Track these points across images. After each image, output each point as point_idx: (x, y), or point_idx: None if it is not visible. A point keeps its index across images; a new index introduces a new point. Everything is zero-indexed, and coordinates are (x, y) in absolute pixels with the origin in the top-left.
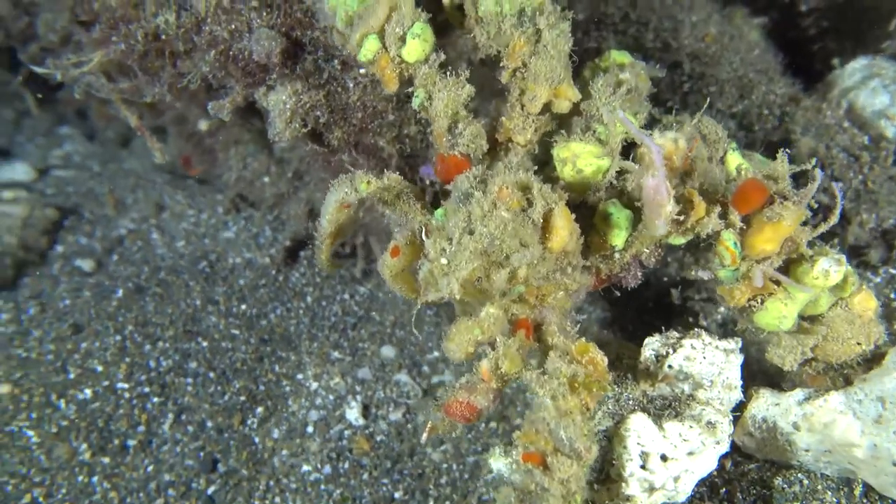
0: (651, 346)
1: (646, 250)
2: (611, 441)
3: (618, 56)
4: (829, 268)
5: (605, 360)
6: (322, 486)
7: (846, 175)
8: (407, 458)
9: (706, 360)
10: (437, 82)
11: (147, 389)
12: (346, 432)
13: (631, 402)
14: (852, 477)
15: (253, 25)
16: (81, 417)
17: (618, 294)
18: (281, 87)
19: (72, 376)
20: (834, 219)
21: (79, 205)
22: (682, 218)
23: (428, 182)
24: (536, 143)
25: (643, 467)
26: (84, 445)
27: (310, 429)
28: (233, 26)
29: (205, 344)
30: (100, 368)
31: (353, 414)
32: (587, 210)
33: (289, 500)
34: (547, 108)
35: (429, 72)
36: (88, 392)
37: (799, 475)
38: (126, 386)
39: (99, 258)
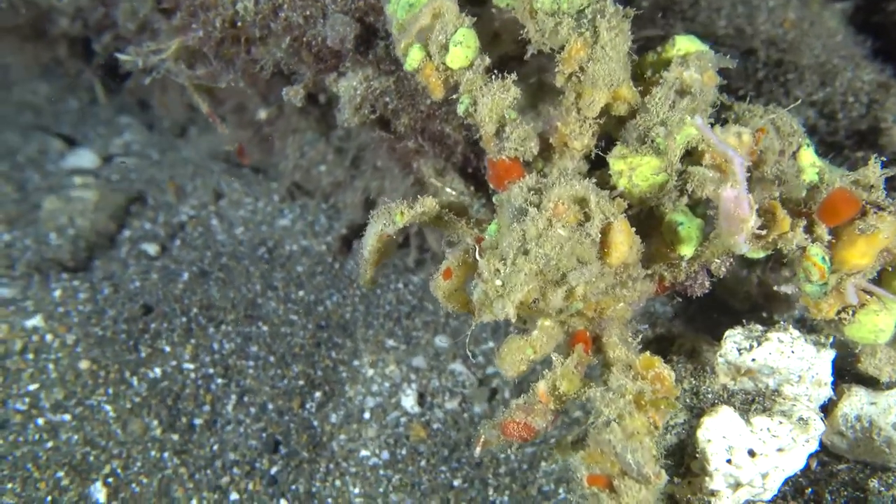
0: (732, 338)
1: (717, 260)
2: (692, 434)
3: (683, 42)
4: None
5: (673, 375)
6: (381, 472)
7: None
8: (464, 446)
9: (795, 355)
10: (482, 87)
11: (211, 371)
12: (403, 419)
13: (710, 396)
14: None
15: (328, 11)
16: (152, 395)
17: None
18: (352, 72)
19: (143, 355)
20: None
21: (142, 191)
22: (763, 232)
23: None
24: (594, 146)
25: (729, 462)
26: (155, 422)
27: (367, 415)
28: (308, 12)
29: (265, 328)
30: (168, 349)
31: (409, 402)
32: (650, 216)
33: (349, 484)
34: (605, 111)
35: (473, 77)
36: (158, 371)
37: None
38: (192, 367)
39: (163, 243)
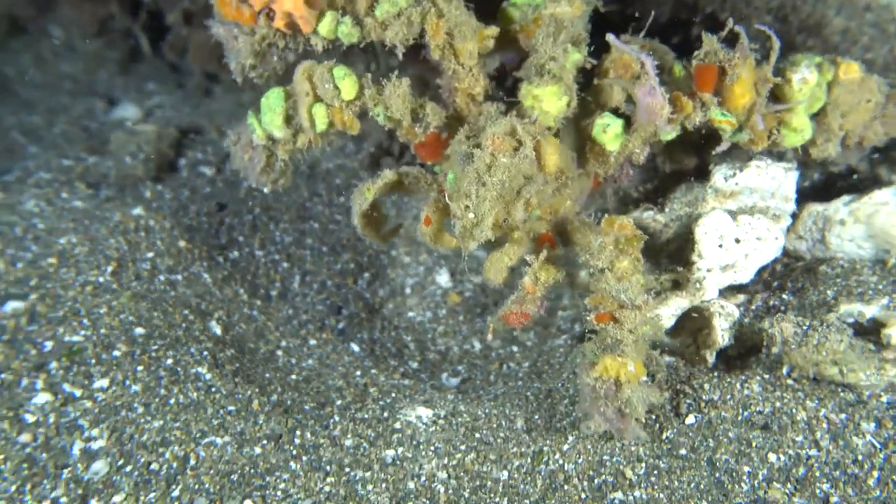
0: (720, 170)
1: (636, 150)
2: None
3: None
4: (805, 75)
5: (630, 220)
6: (427, 325)
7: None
8: (493, 306)
9: (768, 175)
10: (382, 93)
11: (277, 257)
12: (439, 291)
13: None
14: (886, 257)
15: None
16: (236, 271)
17: None
18: None
19: (223, 241)
20: (775, 44)
21: (186, 131)
22: (674, 116)
23: (508, 69)
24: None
25: (720, 247)
26: (241, 290)
27: (408, 290)
28: None
29: (316, 225)
30: (241, 238)
31: (443, 279)
32: (576, 129)
33: (402, 333)
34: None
35: (371, 93)
36: (237, 254)
37: (840, 262)
38: (261, 253)
39: (217, 166)
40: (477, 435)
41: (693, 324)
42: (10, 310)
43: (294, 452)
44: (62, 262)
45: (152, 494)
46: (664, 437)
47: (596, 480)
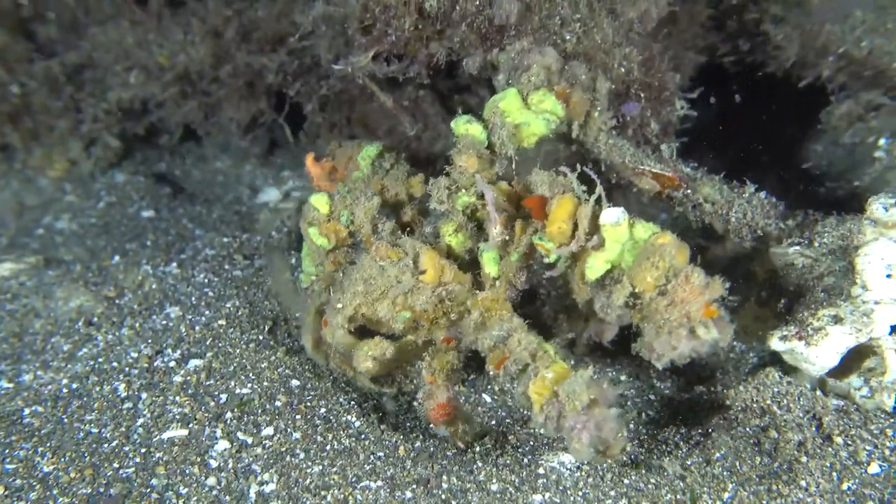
0: (878, 201)
1: (511, 275)
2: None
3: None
4: (617, 221)
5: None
6: None
7: None
8: None
9: None
10: (351, 203)
11: None
12: None
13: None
14: None
15: None
16: None
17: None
18: (511, 45)
19: None
20: (598, 190)
21: None
22: (508, 238)
23: (628, 118)
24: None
25: (889, 277)
26: None
27: None
28: (478, 1)
29: None
30: None
31: None
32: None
33: None
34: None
35: (341, 198)
36: None
37: None
38: None
39: None
40: (626, 481)
41: (864, 362)
42: (193, 366)
43: (443, 497)
44: (229, 323)
45: None
46: (844, 487)
47: None
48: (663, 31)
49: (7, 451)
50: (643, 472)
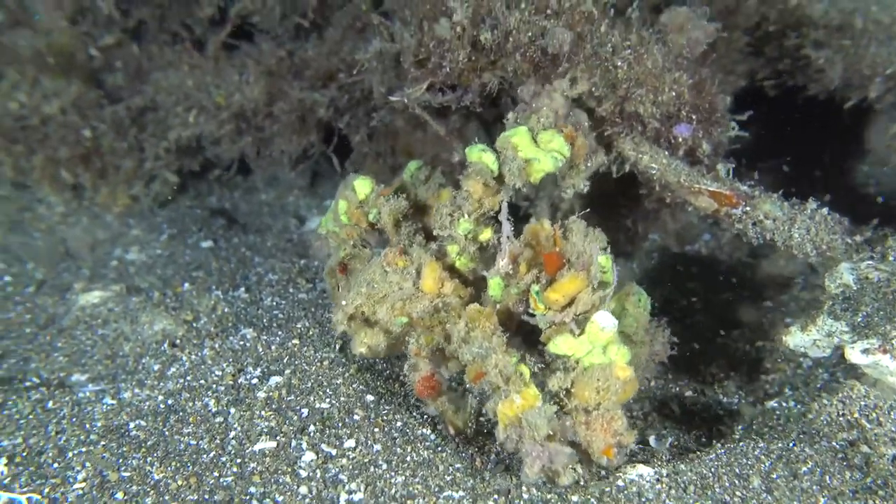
0: None
1: (510, 304)
2: None
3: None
4: (605, 325)
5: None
6: None
7: None
8: None
9: None
10: (382, 204)
11: None
12: None
13: None
14: None
15: (547, 27)
16: None
17: None
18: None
19: None
20: (609, 288)
21: None
22: (511, 273)
23: (680, 139)
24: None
25: None
26: None
27: None
28: (531, 33)
29: None
30: None
31: None
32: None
33: None
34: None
35: (373, 198)
36: None
37: None
38: None
39: None
40: (709, 493)
41: None
42: (274, 383)
43: None
44: (302, 342)
45: None
46: None
47: None
48: (712, 55)
49: (120, 460)
50: (726, 484)
